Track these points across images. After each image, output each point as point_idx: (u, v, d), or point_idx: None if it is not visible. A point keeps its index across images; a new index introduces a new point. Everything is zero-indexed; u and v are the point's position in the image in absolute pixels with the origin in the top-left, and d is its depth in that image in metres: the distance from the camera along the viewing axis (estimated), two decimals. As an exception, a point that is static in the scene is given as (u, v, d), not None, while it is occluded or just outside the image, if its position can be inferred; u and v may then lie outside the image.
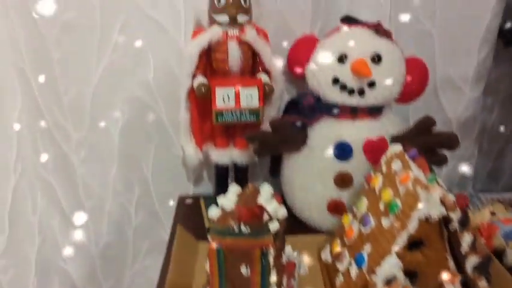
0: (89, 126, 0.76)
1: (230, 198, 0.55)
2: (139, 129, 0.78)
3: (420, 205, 0.46)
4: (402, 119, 0.69)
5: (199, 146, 0.72)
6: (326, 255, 0.60)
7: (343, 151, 0.64)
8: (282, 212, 0.54)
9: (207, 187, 0.85)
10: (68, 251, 0.91)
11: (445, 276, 0.51)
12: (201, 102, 0.67)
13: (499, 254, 0.63)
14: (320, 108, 0.66)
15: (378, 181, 0.55)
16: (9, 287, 0.89)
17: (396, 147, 0.56)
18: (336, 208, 0.67)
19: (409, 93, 0.65)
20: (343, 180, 0.65)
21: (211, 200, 0.77)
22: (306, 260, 0.60)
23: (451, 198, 0.46)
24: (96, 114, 0.75)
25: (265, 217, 0.52)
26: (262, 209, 0.51)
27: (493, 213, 0.67)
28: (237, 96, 0.63)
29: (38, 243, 0.89)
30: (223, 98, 0.62)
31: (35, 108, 0.77)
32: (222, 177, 0.75)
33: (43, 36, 0.70)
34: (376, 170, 0.57)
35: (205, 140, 0.72)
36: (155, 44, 0.72)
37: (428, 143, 0.61)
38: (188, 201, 0.80)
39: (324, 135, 0.66)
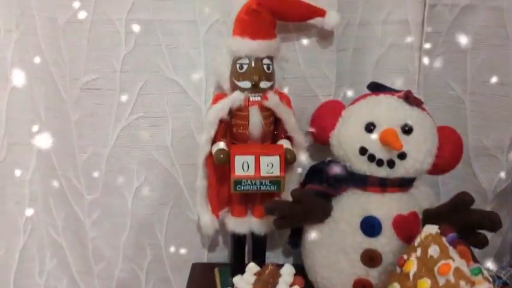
0: (103, 188, 0.74)
1: (247, 279, 0.50)
2: (154, 193, 0.74)
3: (464, 302, 0.41)
4: (433, 191, 0.65)
5: (216, 214, 0.68)
6: None
7: (371, 226, 0.59)
8: (305, 297, 0.49)
9: (222, 254, 0.80)
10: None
11: None
12: (219, 167, 0.64)
13: None
14: (346, 179, 0.62)
15: (412, 266, 0.50)
16: None
17: (432, 228, 0.51)
18: (363, 287, 0.61)
19: (442, 164, 0.61)
20: (371, 258, 0.60)
21: (226, 270, 0.73)
22: None
23: (499, 296, 0.41)
24: (110, 176, 0.73)
25: (286, 305, 0.47)
26: (282, 297, 0.46)
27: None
28: (257, 164, 0.59)
29: (43, 308, 0.85)
30: (243, 166, 0.59)
31: (49, 167, 0.75)
32: (238, 246, 0.70)
33: (62, 97, 0.69)
34: (410, 253, 0.52)
35: (222, 206, 0.68)
36: (175, 108, 0.70)
37: (466, 223, 0.56)
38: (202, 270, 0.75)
39: (351, 207, 0.61)
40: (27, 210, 0.79)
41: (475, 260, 0.45)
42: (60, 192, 0.76)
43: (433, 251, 0.48)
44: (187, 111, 0.70)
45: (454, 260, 0.44)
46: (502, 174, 0.74)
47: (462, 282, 0.41)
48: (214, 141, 0.63)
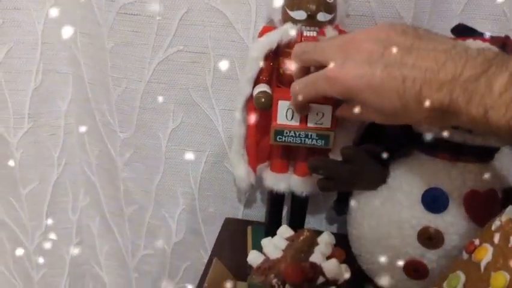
0: (136, 127, 0.68)
1: (276, 243, 0.42)
2: (191, 137, 0.68)
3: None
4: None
5: (253, 167, 0.60)
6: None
7: (436, 201, 0.49)
8: (344, 274, 0.40)
9: (259, 212, 0.73)
10: (105, 257, 0.84)
11: None
12: (261, 115, 0.55)
13: None
14: (411, 141, 0.52)
15: (485, 254, 0.39)
16: (39, 286, 0.84)
17: (520, 212, 0.40)
18: (416, 271, 0.51)
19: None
20: (430, 238, 0.49)
21: (260, 230, 0.65)
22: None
23: None
24: (145, 115, 0.67)
25: (320, 280, 0.39)
26: (316, 269, 0.38)
27: None
28: (305, 113, 0.50)
29: (75, 244, 0.84)
30: (287, 113, 0.50)
31: (85, 99, 0.71)
32: (275, 205, 0.62)
33: (98, 20, 0.62)
34: (483, 237, 0.41)
35: (261, 159, 0.60)
36: (218, 43, 0.62)
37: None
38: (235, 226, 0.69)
39: (412, 176, 0.51)
40: (62, 143, 0.76)
41: None
42: (94, 127, 0.72)
43: (517, 240, 0.37)
44: (232, 48, 0.62)
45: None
46: None
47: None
48: (257, 82, 0.54)
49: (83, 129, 0.74)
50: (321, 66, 0.42)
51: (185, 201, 0.73)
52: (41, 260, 0.84)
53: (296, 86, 0.45)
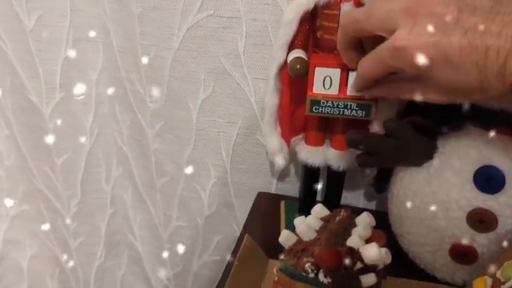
0: (166, 97, 0.66)
1: (310, 223, 0.39)
2: (222, 108, 0.65)
3: None
4: None
5: (287, 140, 0.56)
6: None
7: (490, 180, 0.44)
8: (384, 258, 0.37)
9: (294, 186, 0.70)
10: (138, 227, 0.85)
11: None
12: (295, 83, 0.51)
13: None
14: (463, 113, 0.46)
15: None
16: (77, 253, 0.86)
17: None
18: (464, 255, 0.47)
19: None
20: (482, 221, 0.45)
21: (294, 206, 0.63)
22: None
23: None
24: (174, 84, 0.64)
25: (357, 265, 0.35)
26: (353, 255, 0.35)
27: None
28: (343, 81, 0.45)
29: (110, 214, 0.84)
30: (324, 81, 0.46)
31: (114, 67, 0.69)
32: (310, 180, 0.59)
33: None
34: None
35: (295, 132, 0.56)
36: (251, 6, 0.57)
37: None
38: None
39: (464, 152, 0.46)
40: (94, 113, 0.75)
41: None
42: (125, 96, 0.70)
43: None
44: (266, 11, 0.57)
45: None
46: None
47: None
48: (292, 47, 0.49)
49: (114, 99, 0.72)
50: (379, 37, 0.36)
51: (217, 174, 0.71)
52: (78, 228, 0.85)
53: (362, 64, 0.40)
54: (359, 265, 0.34)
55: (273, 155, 0.56)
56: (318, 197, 0.62)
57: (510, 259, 0.38)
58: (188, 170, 0.72)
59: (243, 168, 0.69)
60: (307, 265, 0.34)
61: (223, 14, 0.58)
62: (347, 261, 0.33)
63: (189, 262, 0.83)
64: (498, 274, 0.38)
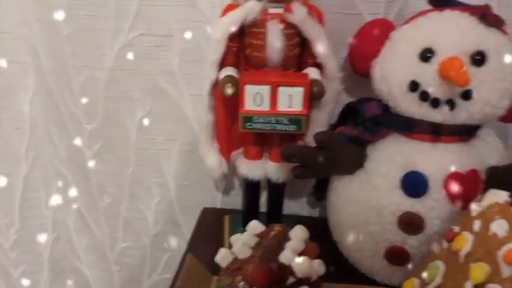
0: (103, 118, 0.64)
1: (246, 240, 0.39)
2: (161, 126, 0.65)
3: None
4: (504, 144, 0.50)
5: (226, 155, 0.57)
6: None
7: (415, 185, 0.46)
8: (317, 270, 0.38)
9: (239, 198, 0.70)
10: (84, 251, 0.82)
11: None
12: (229, 100, 0.52)
13: None
14: (388, 122, 0.49)
15: (465, 243, 0.37)
16: (19, 283, 0.82)
17: (499, 195, 0.37)
18: (397, 257, 0.49)
19: (522, 110, 0.46)
20: (410, 223, 0.47)
21: (238, 219, 0.63)
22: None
23: None
24: (110, 104, 0.63)
25: (290, 280, 0.36)
26: (284, 270, 0.35)
27: None
28: (274, 97, 0.47)
29: (52, 240, 0.81)
30: (255, 98, 0.47)
31: (47, 90, 0.67)
32: (252, 193, 0.60)
33: (50, 6, 0.58)
34: (464, 224, 0.39)
35: (233, 147, 0.57)
36: (183, 24, 0.57)
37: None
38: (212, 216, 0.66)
39: (391, 159, 0.48)
40: (29, 137, 0.72)
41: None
42: (60, 119, 0.68)
43: (498, 227, 0.34)
44: (197, 29, 0.58)
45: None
46: None
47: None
48: (223, 65, 0.50)
49: (49, 121, 0.70)
50: None
51: (160, 192, 0.70)
52: (19, 257, 0.82)
53: None
54: (291, 279, 0.35)
55: (212, 171, 0.56)
56: (262, 209, 0.62)
57: (434, 261, 0.40)
58: (131, 190, 0.70)
59: (187, 185, 0.69)
60: (240, 284, 0.34)
61: (155, 32, 0.58)
62: (278, 277, 0.33)
63: (139, 283, 0.81)
64: (424, 275, 0.40)
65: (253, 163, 0.56)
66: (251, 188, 0.59)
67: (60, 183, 0.76)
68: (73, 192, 0.75)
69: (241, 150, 0.58)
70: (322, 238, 0.46)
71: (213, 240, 0.61)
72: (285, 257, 0.36)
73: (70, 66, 0.61)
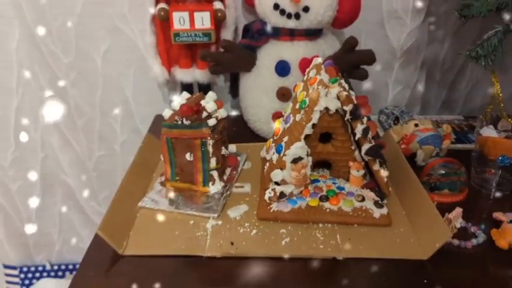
0: (76, 53, 0.89)
1: (179, 101, 0.67)
2: (119, 56, 0.89)
3: (320, 100, 0.58)
4: (341, 42, 0.79)
5: (167, 67, 0.84)
6: (263, 152, 0.73)
7: (283, 69, 0.75)
8: (222, 113, 0.67)
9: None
10: (67, 165, 1.06)
11: (351, 164, 0.63)
12: (166, 27, 0.79)
13: (414, 156, 0.74)
14: (266, 32, 0.77)
15: (299, 87, 0.66)
16: (18, 195, 1.05)
17: (317, 60, 0.67)
18: (279, 116, 0.78)
19: (342, 18, 0.75)
20: (283, 94, 0.77)
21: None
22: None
23: (344, 94, 0.58)
24: (81, 42, 0.87)
25: (204, 114, 0.64)
26: (200, 106, 0.64)
27: (416, 125, 0.77)
28: (191, 19, 0.74)
29: (41, 158, 1.04)
30: (180, 20, 0.74)
31: (30, 35, 0.89)
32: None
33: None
34: (304, 80, 0.68)
35: (174, 62, 0.84)
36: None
37: (351, 61, 0.72)
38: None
39: (269, 55, 0.77)
40: (17, 76, 0.94)
41: (341, 76, 0.61)
42: (42, 57, 0.91)
43: (312, 73, 0.64)
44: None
45: (320, 75, 0.60)
46: (406, 34, 0.88)
47: (321, 88, 0.58)
48: (158, 2, 0.77)
49: (33, 60, 0.92)
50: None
51: (124, 107, 0.95)
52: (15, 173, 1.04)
53: None
54: (205, 114, 0.63)
55: (157, 77, 0.83)
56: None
57: (288, 105, 0.70)
58: (101, 108, 0.95)
59: (143, 100, 0.95)
60: (177, 118, 0.62)
61: (110, -15, 0.83)
62: (196, 109, 0.62)
63: (114, 185, 1.06)
64: (283, 113, 0.70)
65: (185, 70, 0.83)
66: (186, 89, 0.86)
67: (45, 109, 0.99)
68: (56, 115, 0.99)
69: (178, 66, 0.85)
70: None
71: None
72: (204, 102, 0.64)
73: (48, 15, 0.85)
